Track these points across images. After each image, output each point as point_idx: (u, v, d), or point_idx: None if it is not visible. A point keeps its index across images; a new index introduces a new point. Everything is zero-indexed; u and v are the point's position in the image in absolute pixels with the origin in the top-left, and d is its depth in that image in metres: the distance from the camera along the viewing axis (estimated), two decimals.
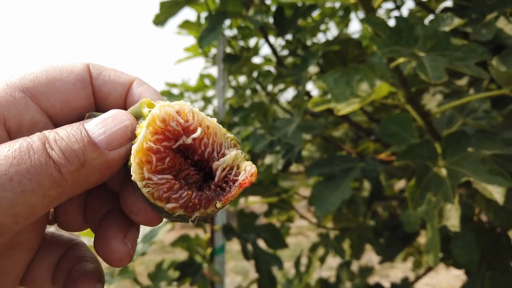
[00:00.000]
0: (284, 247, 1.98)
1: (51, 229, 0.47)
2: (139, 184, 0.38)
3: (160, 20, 1.60)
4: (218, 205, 0.39)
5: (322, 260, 2.00)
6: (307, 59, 1.62)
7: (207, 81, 2.69)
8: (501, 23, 1.19)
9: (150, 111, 0.39)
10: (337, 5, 2.04)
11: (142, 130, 0.38)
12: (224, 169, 0.40)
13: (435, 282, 3.44)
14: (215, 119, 0.41)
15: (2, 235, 0.33)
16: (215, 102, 2.63)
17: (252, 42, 2.84)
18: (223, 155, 0.40)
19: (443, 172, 0.95)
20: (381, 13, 2.49)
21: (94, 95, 0.43)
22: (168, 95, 2.68)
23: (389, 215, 2.21)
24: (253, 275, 3.90)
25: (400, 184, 2.47)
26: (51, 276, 0.43)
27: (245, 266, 4.26)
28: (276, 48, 1.80)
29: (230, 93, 2.56)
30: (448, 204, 0.94)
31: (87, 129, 0.37)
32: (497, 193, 0.82)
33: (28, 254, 0.41)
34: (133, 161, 0.37)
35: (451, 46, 0.80)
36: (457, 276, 3.45)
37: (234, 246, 4.32)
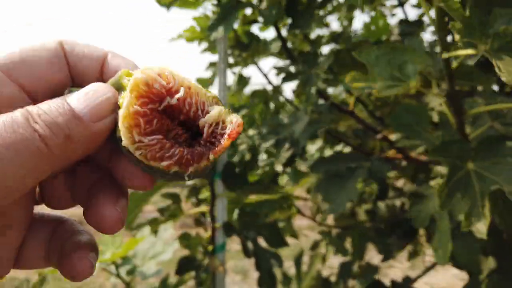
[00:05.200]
0: (285, 245, 1.95)
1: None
2: (131, 148, 0.38)
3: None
4: (211, 157, 0.40)
5: (324, 259, 1.97)
6: (317, 55, 1.57)
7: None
8: None
9: (129, 80, 0.40)
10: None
11: (126, 96, 0.38)
12: (210, 125, 0.41)
13: (434, 281, 3.44)
14: (193, 79, 0.42)
15: None
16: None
17: (254, 28, 2.76)
18: (207, 112, 0.41)
19: (472, 175, 0.92)
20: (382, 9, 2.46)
21: (70, 71, 0.43)
22: None
23: (389, 214, 2.19)
24: (253, 274, 3.87)
25: (400, 182, 2.45)
26: (45, 254, 0.43)
27: (244, 265, 4.23)
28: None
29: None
30: (476, 209, 0.90)
31: (69, 103, 0.37)
32: None
33: (19, 233, 0.41)
34: (122, 126, 0.38)
35: None
36: (456, 275, 3.45)
37: (233, 246, 4.28)
